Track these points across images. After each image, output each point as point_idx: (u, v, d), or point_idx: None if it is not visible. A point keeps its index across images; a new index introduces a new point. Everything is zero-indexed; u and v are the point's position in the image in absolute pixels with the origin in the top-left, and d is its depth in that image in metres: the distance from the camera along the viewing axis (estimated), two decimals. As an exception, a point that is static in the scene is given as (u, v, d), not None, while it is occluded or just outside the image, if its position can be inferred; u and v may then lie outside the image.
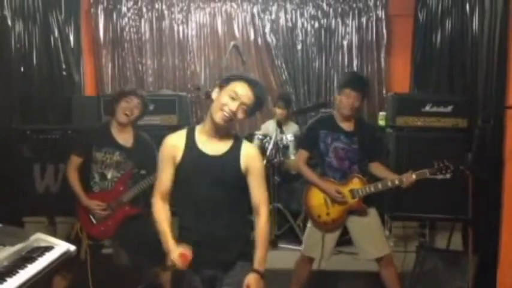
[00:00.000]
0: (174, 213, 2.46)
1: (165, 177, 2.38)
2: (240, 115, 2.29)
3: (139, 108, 3.47)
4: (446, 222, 4.17)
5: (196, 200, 2.33)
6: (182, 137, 2.38)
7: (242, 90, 2.28)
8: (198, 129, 2.40)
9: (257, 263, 2.34)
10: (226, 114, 2.25)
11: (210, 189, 2.31)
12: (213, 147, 2.35)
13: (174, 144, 2.37)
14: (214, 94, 2.35)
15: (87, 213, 3.42)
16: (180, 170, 2.34)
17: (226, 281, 2.38)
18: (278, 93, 5.57)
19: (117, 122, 3.45)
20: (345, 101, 3.35)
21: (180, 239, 2.39)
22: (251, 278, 2.30)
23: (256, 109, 2.37)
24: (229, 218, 2.37)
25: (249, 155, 2.37)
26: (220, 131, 2.34)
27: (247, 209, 2.44)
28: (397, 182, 3.30)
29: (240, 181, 2.36)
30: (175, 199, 2.42)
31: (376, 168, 3.47)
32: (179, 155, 2.34)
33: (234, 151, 2.36)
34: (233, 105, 2.26)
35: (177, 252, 2.26)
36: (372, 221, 3.42)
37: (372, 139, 3.53)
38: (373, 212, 3.43)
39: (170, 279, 2.57)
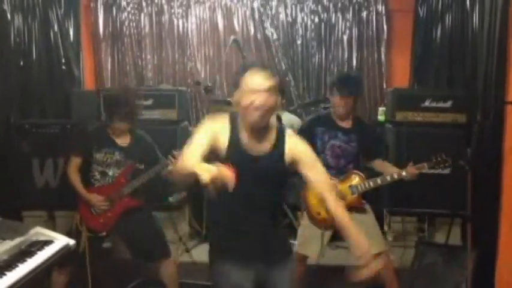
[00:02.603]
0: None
1: (199, 153, 2.14)
2: (270, 101, 2.15)
3: (132, 123, 3.49)
4: (445, 217, 4.18)
5: (237, 198, 2.16)
6: (226, 127, 2.25)
7: (256, 81, 2.16)
8: (240, 122, 2.25)
9: (359, 250, 2.18)
10: (258, 111, 2.14)
11: (253, 188, 2.21)
12: (256, 145, 2.25)
13: (218, 132, 2.23)
14: (234, 98, 2.23)
15: (87, 205, 3.44)
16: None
17: (274, 273, 2.36)
18: None
19: (114, 132, 3.49)
20: (338, 102, 3.36)
21: (214, 237, 2.44)
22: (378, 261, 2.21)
23: (281, 89, 2.26)
24: (270, 213, 2.35)
25: (295, 149, 2.28)
26: (259, 129, 2.22)
27: (284, 200, 2.44)
28: (395, 176, 3.31)
29: (283, 177, 2.34)
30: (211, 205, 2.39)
31: (380, 165, 3.47)
32: (223, 148, 2.23)
33: (278, 148, 2.27)
34: (259, 99, 2.13)
35: (217, 167, 1.93)
36: (366, 218, 3.42)
37: (371, 137, 3.53)
38: (368, 209, 3.44)
39: (213, 275, 2.41)
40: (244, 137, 2.24)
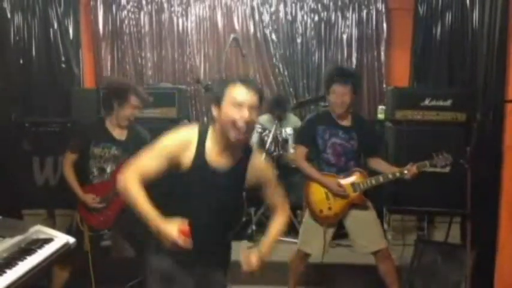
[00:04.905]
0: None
1: (154, 167, 2.13)
2: (254, 117, 2.12)
3: (139, 108, 3.50)
4: (445, 215, 4.18)
5: (194, 211, 2.13)
6: (193, 141, 2.18)
7: (242, 94, 2.09)
8: (210, 135, 2.20)
9: (263, 247, 2.26)
10: (242, 130, 2.08)
11: (212, 203, 2.20)
12: (222, 160, 2.20)
13: (184, 146, 2.17)
14: (214, 111, 2.17)
15: (86, 204, 3.44)
16: (183, 180, 2.16)
17: (214, 278, 2.36)
18: (272, 99, 5.10)
19: (117, 123, 3.48)
20: (334, 98, 3.34)
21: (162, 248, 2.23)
22: (253, 254, 2.18)
23: (261, 103, 2.17)
24: (224, 228, 2.36)
25: (257, 168, 2.28)
26: (236, 145, 2.17)
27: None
28: (398, 174, 3.33)
29: (240, 193, 2.36)
30: (167, 207, 2.09)
31: (376, 163, 3.49)
32: (186, 162, 2.16)
33: (242, 165, 2.24)
34: (244, 114, 2.07)
35: (176, 229, 1.95)
36: (367, 215, 3.43)
37: (370, 134, 3.55)
38: (370, 206, 3.45)
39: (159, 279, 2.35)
40: (210, 150, 2.18)
